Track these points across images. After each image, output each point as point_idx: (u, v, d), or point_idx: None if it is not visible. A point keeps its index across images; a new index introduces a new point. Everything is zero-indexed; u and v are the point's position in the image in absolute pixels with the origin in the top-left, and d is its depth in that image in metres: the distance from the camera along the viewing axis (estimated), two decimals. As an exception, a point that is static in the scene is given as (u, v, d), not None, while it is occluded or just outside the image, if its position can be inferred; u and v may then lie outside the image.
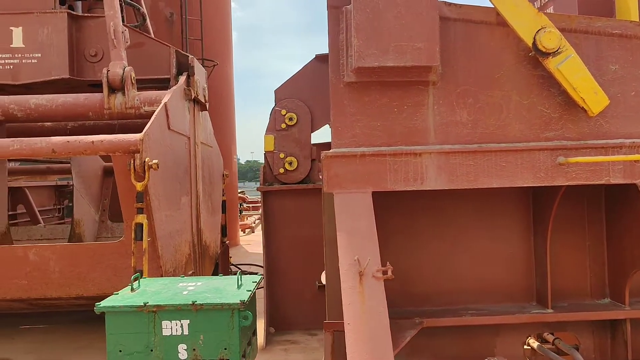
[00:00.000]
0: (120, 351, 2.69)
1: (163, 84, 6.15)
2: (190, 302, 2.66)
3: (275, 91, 5.90)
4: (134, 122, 6.48)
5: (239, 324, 2.69)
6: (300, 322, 5.73)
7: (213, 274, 6.99)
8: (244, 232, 14.08)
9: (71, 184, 12.06)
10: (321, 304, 6.15)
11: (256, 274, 9.15)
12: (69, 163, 9.74)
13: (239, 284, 2.96)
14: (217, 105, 10.17)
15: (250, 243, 12.73)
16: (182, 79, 5.99)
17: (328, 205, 3.57)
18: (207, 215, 6.88)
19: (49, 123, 6.77)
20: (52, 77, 5.84)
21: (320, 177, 8.52)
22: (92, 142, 4.65)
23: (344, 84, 3.07)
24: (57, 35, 5.86)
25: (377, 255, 2.82)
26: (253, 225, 14.97)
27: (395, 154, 3.06)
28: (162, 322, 2.68)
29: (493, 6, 3.07)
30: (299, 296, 5.72)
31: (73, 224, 7.05)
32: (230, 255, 8.57)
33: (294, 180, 5.83)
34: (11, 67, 5.88)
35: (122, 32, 5.66)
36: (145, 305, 2.66)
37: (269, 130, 5.85)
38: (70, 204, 9.25)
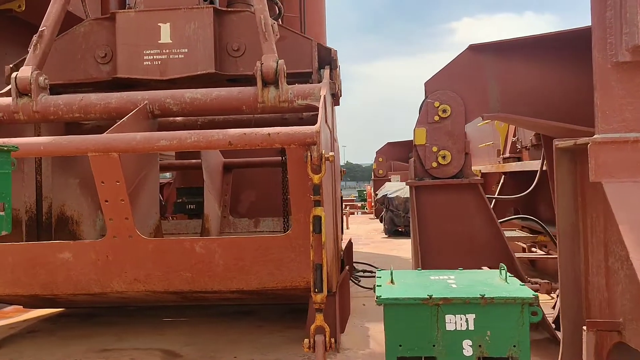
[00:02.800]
0: (400, 346, 2.56)
1: (303, 78, 6.07)
2: (479, 295, 2.50)
3: (426, 83, 5.73)
4: (263, 117, 6.43)
5: (529, 319, 2.52)
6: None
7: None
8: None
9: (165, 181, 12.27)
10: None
11: (371, 272, 9.00)
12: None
13: (505, 277, 2.79)
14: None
15: (344, 241, 12.58)
16: (327, 72, 5.90)
17: (562, 194, 3.37)
18: (336, 210, 6.78)
19: (179, 118, 6.83)
20: (199, 72, 5.84)
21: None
22: (269, 134, 4.59)
23: (612, 64, 2.87)
24: (204, 30, 5.85)
25: (671, 248, 2.59)
26: (339, 223, 14.89)
27: (672, 139, 2.83)
28: (446, 316, 2.53)
29: None
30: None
31: (203, 219, 7.08)
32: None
33: (446, 174, 5.65)
34: (159, 62, 5.90)
35: (272, 25, 5.61)
36: (430, 298, 2.52)
37: (419, 123, 5.69)
38: (179, 200, 9.35)
